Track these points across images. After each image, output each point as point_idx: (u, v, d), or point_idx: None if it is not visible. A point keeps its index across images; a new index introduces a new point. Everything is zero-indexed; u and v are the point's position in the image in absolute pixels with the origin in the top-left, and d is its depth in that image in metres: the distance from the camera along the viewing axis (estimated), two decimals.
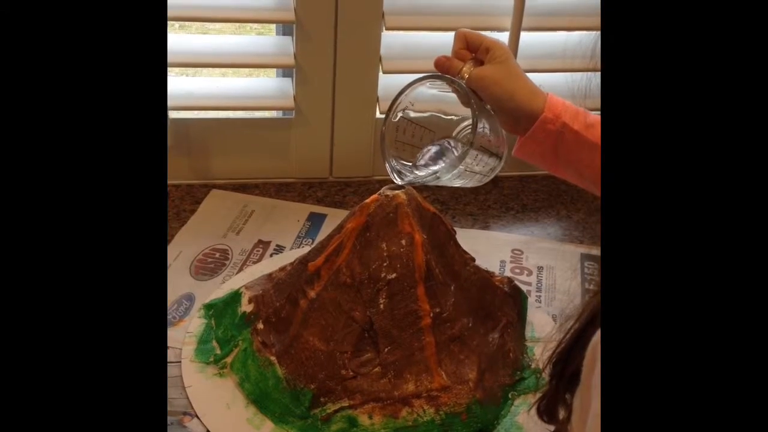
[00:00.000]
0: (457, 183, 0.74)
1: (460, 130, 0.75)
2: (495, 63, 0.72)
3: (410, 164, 0.75)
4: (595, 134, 0.72)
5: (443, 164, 0.73)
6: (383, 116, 0.74)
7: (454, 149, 0.75)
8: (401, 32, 0.99)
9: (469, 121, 0.71)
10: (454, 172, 0.71)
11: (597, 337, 0.40)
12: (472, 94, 0.71)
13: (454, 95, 0.73)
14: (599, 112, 0.76)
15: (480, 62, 0.73)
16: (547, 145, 0.73)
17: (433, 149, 0.76)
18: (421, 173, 0.73)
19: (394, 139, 0.74)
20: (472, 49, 0.74)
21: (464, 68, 0.73)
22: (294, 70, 0.96)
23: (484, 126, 0.70)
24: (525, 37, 0.96)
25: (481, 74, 0.72)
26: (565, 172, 0.76)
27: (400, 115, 0.74)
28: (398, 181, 0.73)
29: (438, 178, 0.71)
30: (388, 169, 0.74)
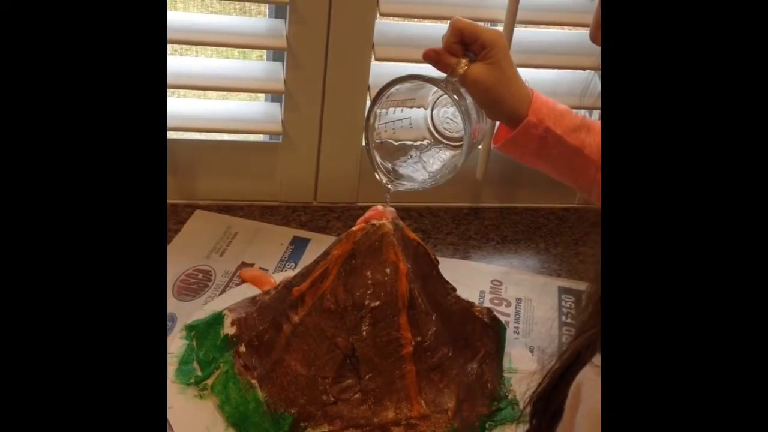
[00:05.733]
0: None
1: (435, 100, 0.74)
2: (488, 63, 0.70)
3: (399, 161, 0.75)
4: (579, 139, 0.72)
5: (436, 174, 0.73)
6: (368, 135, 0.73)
7: (443, 152, 0.75)
8: (390, 63, 1.01)
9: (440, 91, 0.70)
10: (446, 175, 0.72)
11: (581, 376, 0.41)
12: (460, 98, 0.69)
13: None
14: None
15: (473, 58, 0.71)
16: (529, 148, 0.73)
17: (419, 150, 0.76)
18: (412, 183, 0.73)
19: (377, 125, 0.72)
20: (468, 42, 0.70)
21: (458, 68, 0.70)
22: (283, 95, 0.98)
23: (477, 134, 0.71)
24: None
25: (474, 78, 0.70)
26: (542, 167, 0.77)
27: (383, 109, 0.72)
28: (384, 181, 0.73)
29: (425, 188, 0.73)
30: (375, 164, 0.73)
